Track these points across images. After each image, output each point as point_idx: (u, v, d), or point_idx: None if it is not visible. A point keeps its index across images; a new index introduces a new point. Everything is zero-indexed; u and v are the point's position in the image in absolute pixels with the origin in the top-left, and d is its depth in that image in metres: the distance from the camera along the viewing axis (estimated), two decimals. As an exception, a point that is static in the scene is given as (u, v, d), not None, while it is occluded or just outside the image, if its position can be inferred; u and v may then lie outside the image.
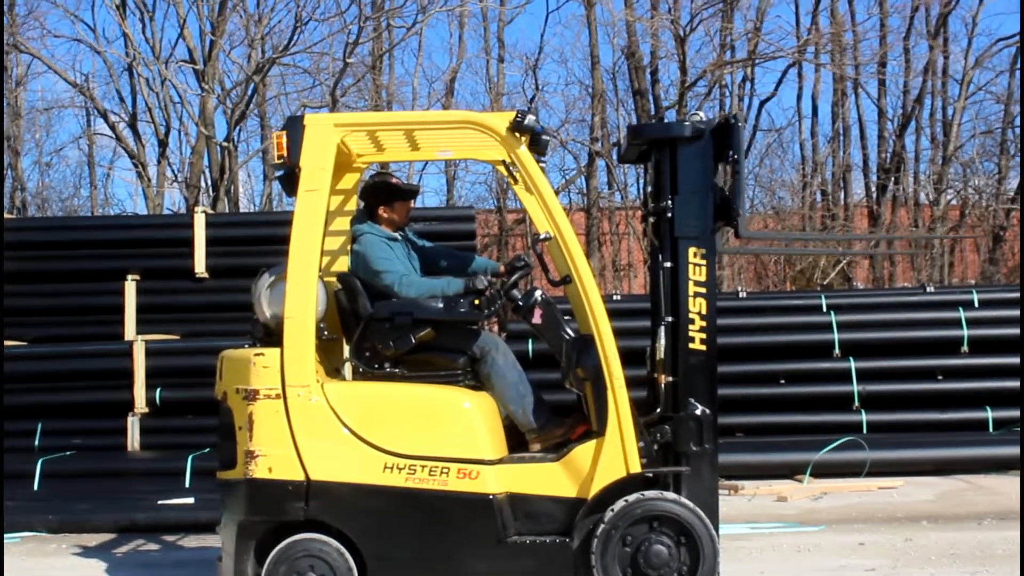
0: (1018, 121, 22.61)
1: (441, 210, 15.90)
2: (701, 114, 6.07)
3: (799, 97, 25.10)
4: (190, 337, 11.67)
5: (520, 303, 6.00)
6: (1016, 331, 11.16)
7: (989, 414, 11.01)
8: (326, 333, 6.04)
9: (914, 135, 23.69)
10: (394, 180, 6.64)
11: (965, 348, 11.44)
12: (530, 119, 5.75)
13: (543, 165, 5.98)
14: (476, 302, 5.92)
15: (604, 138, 22.78)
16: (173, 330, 11.78)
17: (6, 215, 14.78)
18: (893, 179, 22.70)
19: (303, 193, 5.78)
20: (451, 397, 5.80)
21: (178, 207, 23.39)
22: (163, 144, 22.65)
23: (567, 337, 6.00)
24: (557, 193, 22.74)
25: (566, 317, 6.16)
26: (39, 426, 10.98)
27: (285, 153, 5.84)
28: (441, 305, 5.94)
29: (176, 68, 22.38)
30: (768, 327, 11.73)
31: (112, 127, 23.14)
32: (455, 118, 6.89)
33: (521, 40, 57.55)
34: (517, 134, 5.78)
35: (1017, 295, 11.66)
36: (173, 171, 23.75)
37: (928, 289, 12.50)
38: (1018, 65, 22.14)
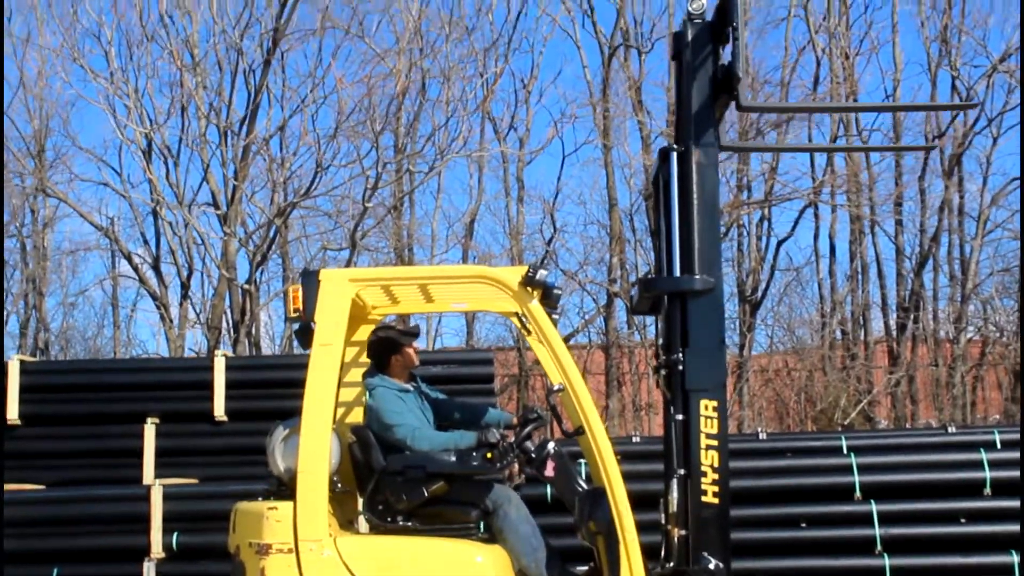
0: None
1: (460, 352, 15.97)
2: (703, 1, 6.08)
3: (816, 236, 25.16)
4: (208, 481, 11.64)
5: (533, 456, 6.02)
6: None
7: (1015, 558, 10.82)
8: (339, 486, 6.06)
9: (932, 272, 23.80)
10: (392, 332, 6.68)
11: (988, 490, 11.30)
12: (541, 274, 5.83)
13: (555, 317, 6.05)
14: (489, 455, 5.93)
15: (623, 278, 22.95)
16: (191, 474, 11.74)
17: (28, 357, 14.91)
18: (912, 317, 22.71)
19: (318, 347, 5.84)
20: (464, 551, 5.78)
21: (200, 347, 23.54)
22: (185, 286, 22.94)
23: (580, 490, 6.01)
24: (576, 333, 23.07)
25: (579, 460, 6.15)
26: (55, 572, 10.90)
27: (301, 307, 5.91)
28: (454, 458, 5.98)
29: (199, 212, 22.74)
30: (788, 469, 11.59)
31: (136, 269, 23.48)
32: (468, 273, 6.97)
33: (540, 181, 58.36)
34: (529, 288, 5.86)
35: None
36: (195, 312, 23.99)
37: (950, 429, 12.36)
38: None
